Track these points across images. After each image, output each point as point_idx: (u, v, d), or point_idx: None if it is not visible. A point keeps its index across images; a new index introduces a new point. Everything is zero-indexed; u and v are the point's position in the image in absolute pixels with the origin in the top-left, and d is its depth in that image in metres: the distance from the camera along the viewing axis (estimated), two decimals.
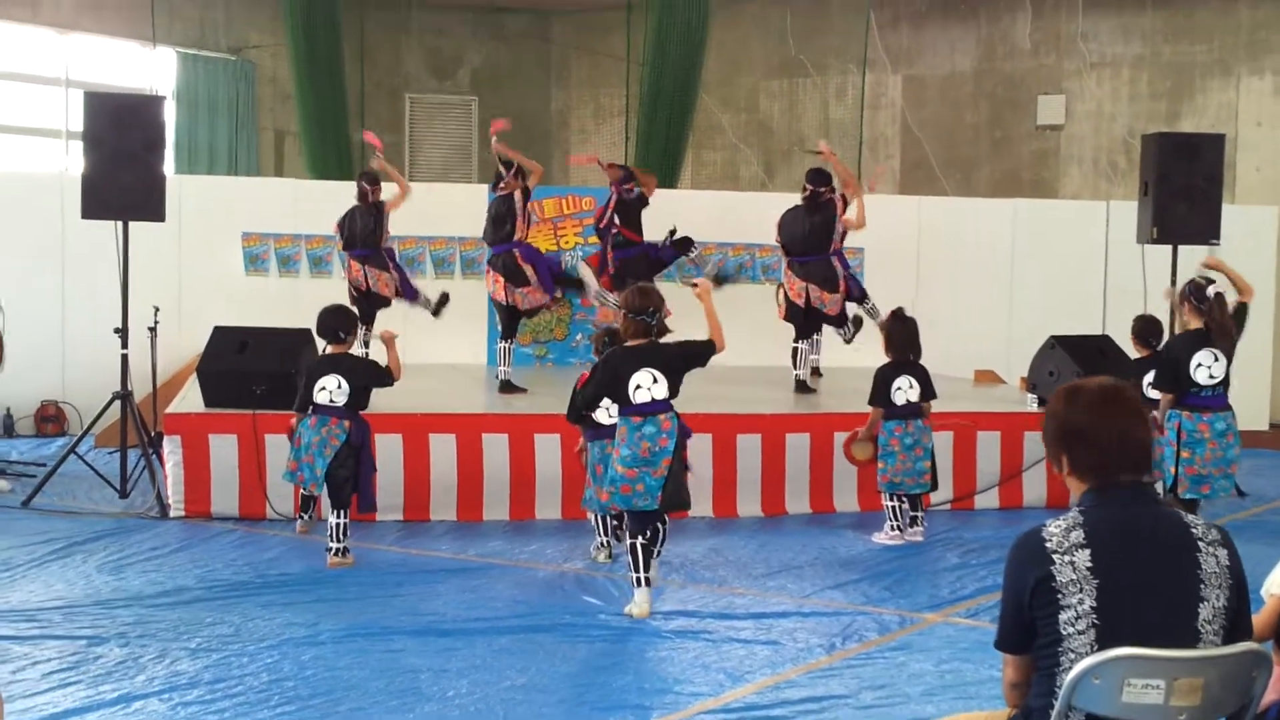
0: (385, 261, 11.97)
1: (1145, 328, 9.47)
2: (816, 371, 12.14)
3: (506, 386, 11.15)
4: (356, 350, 11.80)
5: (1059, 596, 3.35)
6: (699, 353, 7.22)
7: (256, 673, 6.07)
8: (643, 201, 11.75)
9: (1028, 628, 3.44)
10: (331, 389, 8.13)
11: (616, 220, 11.63)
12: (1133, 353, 9.98)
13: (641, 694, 5.93)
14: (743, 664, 6.37)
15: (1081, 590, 3.34)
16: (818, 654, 6.56)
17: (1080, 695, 3.28)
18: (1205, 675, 3.27)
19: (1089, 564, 3.35)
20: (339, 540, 8.17)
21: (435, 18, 19.04)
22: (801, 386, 11.46)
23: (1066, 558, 3.36)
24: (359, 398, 8.23)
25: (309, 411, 8.18)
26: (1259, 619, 4.38)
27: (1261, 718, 3.80)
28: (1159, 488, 8.63)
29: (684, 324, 7.46)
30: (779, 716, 5.66)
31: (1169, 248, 11.21)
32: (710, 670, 6.27)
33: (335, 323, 8.32)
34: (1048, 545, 3.40)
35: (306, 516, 8.34)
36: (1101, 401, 3.52)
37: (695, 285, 7.34)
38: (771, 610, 7.36)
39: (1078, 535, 3.40)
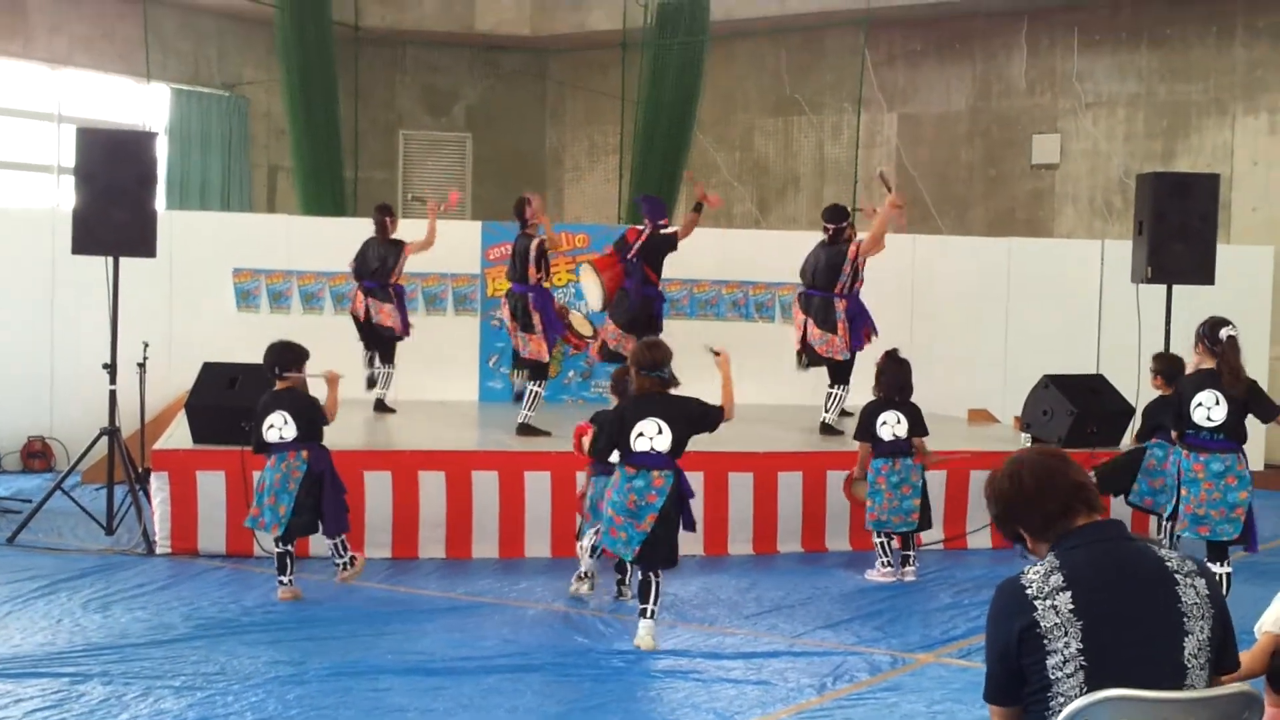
0: (390, 296, 12.08)
1: (1169, 367, 9.32)
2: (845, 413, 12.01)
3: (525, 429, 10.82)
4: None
5: (1045, 642, 3.34)
6: (709, 417, 7.24)
7: (241, 712, 6.01)
8: (671, 244, 11.64)
9: (1016, 677, 3.42)
10: (279, 426, 8.14)
11: (642, 254, 11.50)
12: (1144, 392, 9.92)
13: None
14: (733, 704, 6.31)
15: (1067, 634, 3.32)
16: (808, 694, 6.50)
17: None
18: (1196, 717, 3.24)
19: (1071, 606, 3.34)
20: (343, 555, 8.31)
21: (430, 55, 19.07)
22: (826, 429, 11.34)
23: (1048, 602, 3.35)
24: (309, 429, 8.20)
25: (267, 452, 8.19)
26: (1249, 656, 4.34)
27: None
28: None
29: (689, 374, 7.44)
30: None
31: (1164, 287, 11.18)
32: (700, 710, 6.21)
33: (273, 359, 8.29)
34: (1028, 592, 3.39)
35: (287, 580, 8.16)
36: (1039, 465, 3.59)
37: (717, 354, 7.34)
38: (762, 650, 7.30)
39: (1057, 579, 3.39)
